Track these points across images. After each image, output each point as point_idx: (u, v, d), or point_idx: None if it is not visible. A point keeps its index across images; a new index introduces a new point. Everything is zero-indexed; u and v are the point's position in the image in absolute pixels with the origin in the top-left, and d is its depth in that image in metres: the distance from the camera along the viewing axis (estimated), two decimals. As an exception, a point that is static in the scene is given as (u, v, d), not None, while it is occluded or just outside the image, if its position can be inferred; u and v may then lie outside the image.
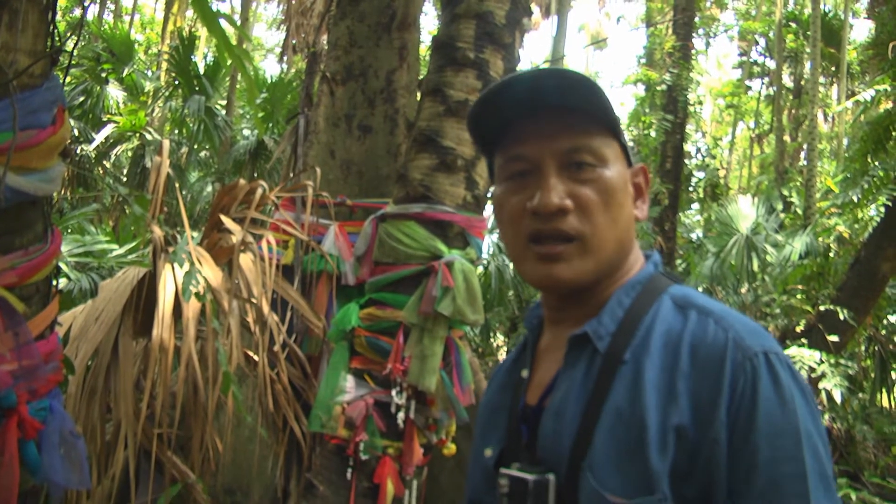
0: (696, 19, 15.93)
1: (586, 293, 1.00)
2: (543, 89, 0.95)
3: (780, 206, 14.35)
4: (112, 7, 21.88)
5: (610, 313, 0.96)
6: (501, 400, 1.09)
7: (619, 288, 0.98)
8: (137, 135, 11.38)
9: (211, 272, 2.57)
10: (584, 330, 0.95)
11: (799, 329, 7.29)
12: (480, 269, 9.16)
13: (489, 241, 9.42)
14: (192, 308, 2.44)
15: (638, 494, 0.83)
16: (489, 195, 3.58)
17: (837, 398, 6.41)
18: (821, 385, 6.37)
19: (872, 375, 8.56)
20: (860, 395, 8.05)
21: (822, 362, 6.46)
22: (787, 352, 6.55)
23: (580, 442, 0.89)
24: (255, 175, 11.10)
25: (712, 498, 0.83)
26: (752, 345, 0.85)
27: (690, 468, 0.83)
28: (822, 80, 18.07)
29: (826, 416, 6.97)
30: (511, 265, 9.24)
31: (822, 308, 7.09)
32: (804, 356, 6.49)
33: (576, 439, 0.90)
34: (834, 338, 6.81)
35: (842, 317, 6.69)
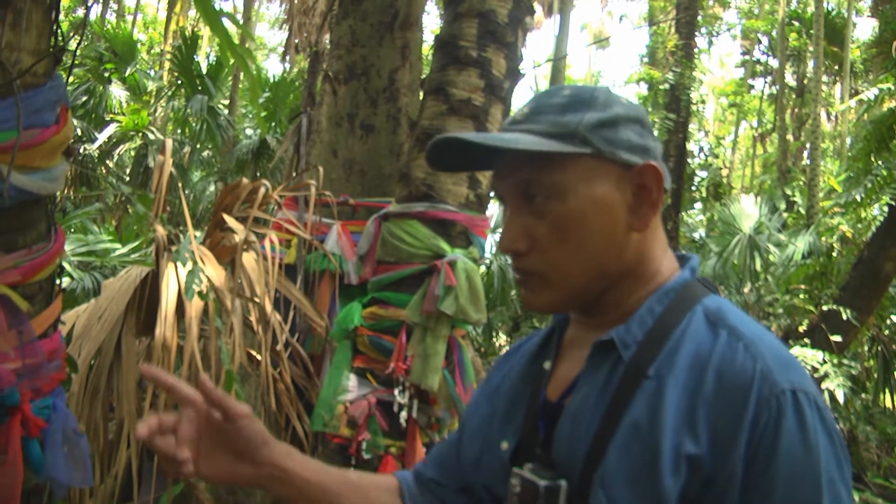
0: (699, 18, 15.91)
1: (604, 301, 0.97)
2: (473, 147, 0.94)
3: (782, 206, 14.34)
4: (115, 7, 21.92)
5: (639, 321, 0.92)
6: (522, 390, 1.06)
7: (652, 295, 0.94)
8: (140, 134, 11.41)
9: (214, 271, 2.58)
10: (611, 336, 0.92)
11: (802, 329, 7.28)
12: (483, 268, 9.16)
13: (492, 241, 9.41)
14: (194, 307, 2.44)
15: None
16: (492, 194, 3.58)
17: (840, 398, 6.40)
18: (823, 385, 6.36)
19: (875, 376, 8.55)
20: (863, 395, 8.04)
21: (825, 362, 6.45)
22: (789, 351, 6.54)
23: (594, 452, 0.87)
24: (258, 174, 11.13)
25: None
26: (780, 380, 0.81)
27: (703, 497, 0.81)
28: (825, 78, 18.04)
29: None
30: (513, 264, 9.25)
31: (824, 308, 7.08)
32: (807, 356, 6.48)
33: (590, 449, 0.88)
34: (837, 338, 6.80)
35: (845, 317, 6.68)
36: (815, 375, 6.42)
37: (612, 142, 0.91)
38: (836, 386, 6.31)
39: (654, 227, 0.96)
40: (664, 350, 0.88)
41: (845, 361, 6.61)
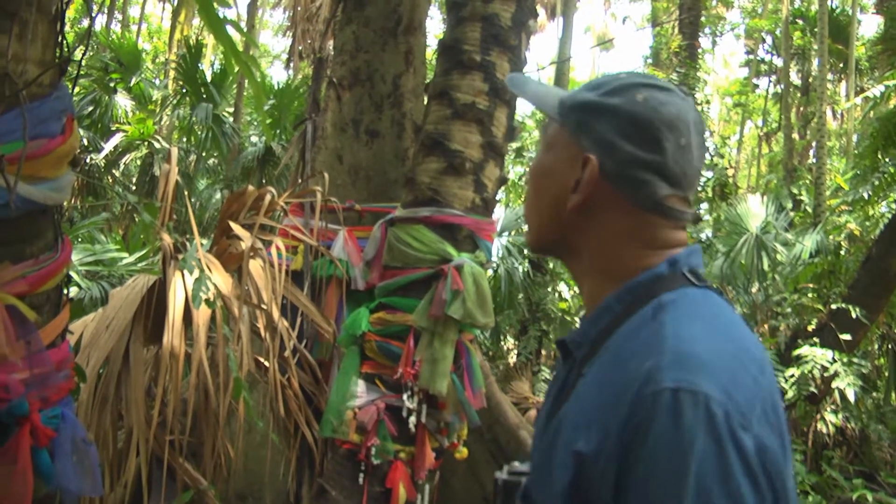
0: (702, 18, 15.89)
1: (584, 294, 0.98)
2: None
3: (789, 205, 14.27)
4: (119, 17, 22.06)
5: (594, 321, 0.90)
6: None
7: (611, 294, 0.91)
8: (146, 143, 11.45)
9: (221, 279, 2.58)
10: (563, 338, 0.95)
11: (811, 328, 7.23)
12: (490, 272, 9.14)
13: (498, 244, 9.40)
14: (202, 315, 2.44)
15: None
16: (497, 198, 3.57)
17: (851, 397, 6.36)
18: (834, 384, 6.33)
19: (886, 374, 8.49)
20: (874, 393, 7.98)
21: (835, 361, 6.41)
22: (799, 351, 6.56)
23: (536, 452, 0.94)
24: (264, 181, 11.16)
25: None
26: (664, 378, 0.74)
27: (588, 497, 0.78)
28: (830, 76, 17.99)
29: (840, 416, 6.91)
30: (520, 268, 9.23)
31: (833, 307, 7.02)
32: (816, 355, 6.45)
33: (534, 449, 0.95)
34: (846, 336, 6.75)
35: (854, 315, 6.64)
36: (825, 374, 6.38)
37: (581, 125, 0.95)
38: (847, 385, 6.27)
39: (626, 228, 0.92)
40: (605, 347, 0.86)
41: (855, 360, 6.57)
